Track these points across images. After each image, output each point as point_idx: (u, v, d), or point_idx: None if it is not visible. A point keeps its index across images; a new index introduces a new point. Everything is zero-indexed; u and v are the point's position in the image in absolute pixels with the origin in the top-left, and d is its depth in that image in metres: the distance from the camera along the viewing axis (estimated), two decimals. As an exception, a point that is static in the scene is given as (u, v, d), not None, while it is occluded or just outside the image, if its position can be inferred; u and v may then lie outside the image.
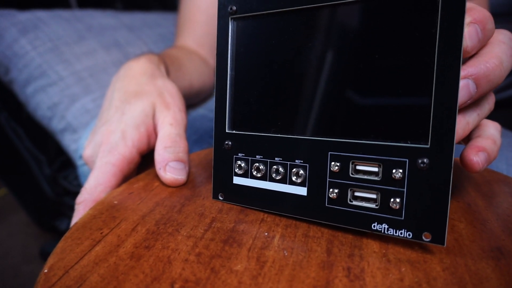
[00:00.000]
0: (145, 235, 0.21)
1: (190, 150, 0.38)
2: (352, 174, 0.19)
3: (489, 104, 0.21)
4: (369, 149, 0.18)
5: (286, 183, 0.21)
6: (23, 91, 0.57)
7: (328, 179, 0.20)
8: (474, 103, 0.20)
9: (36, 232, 1.18)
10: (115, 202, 0.26)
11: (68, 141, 0.55)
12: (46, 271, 0.20)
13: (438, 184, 0.16)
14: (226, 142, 0.24)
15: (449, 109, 0.16)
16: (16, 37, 0.56)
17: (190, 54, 0.55)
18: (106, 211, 0.25)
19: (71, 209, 0.74)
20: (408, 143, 0.17)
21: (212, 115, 0.54)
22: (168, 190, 0.27)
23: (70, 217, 0.79)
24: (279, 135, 0.21)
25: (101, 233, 0.22)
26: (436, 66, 0.16)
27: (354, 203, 0.19)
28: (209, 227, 0.22)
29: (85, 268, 0.19)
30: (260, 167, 0.22)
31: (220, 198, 0.25)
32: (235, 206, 0.24)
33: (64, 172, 0.71)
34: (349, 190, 0.19)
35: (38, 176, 0.72)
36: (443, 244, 0.16)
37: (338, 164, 0.19)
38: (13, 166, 0.76)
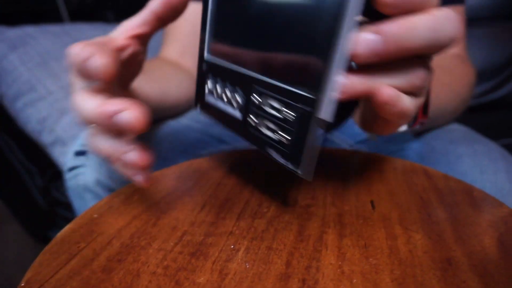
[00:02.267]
0: (119, 249, 0.22)
1: (175, 161, 0.39)
2: (263, 107, 0.22)
3: (413, 76, 0.19)
4: (278, 90, 0.21)
5: (234, 108, 0.25)
6: (13, 105, 0.58)
7: (250, 107, 0.23)
8: (389, 67, 0.19)
9: (30, 241, 1.18)
10: (95, 215, 0.27)
11: (58, 154, 0.56)
12: (22, 284, 0.21)
13: (311, 129, 0.19)
14: (203, 65, 0.28)
15: (334, 62, 0.17)
16: (5, 53, 0.57)
17: (169, 65, 0.55)
18: (85, 225, 0.26)
19: (64, 219, 0.75)
20: (302, 92, 0.19)
21: (197, 125, 0.55)
22: (146, 203, 0.28)
23: (63, 228, 0.79)
24: (234, 66, 0.24)
25: (78, 247, 0.23)
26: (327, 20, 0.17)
27: (263, 131, 0.22)
28: (180, 240, 0.23)
29: (59, 282, 0.20)
30: (219, 90, 0.26)
31: (198, 109, 0.29)
32: (206, 219, 0.25)
33: (56, 183, 0.72)
34: (260, 119, 0.22)
35: (30, 187, 0.73)
36: (309, 179, 0.19)
37: (257, 97, 0.22)
38: (5, 178, 0.77)
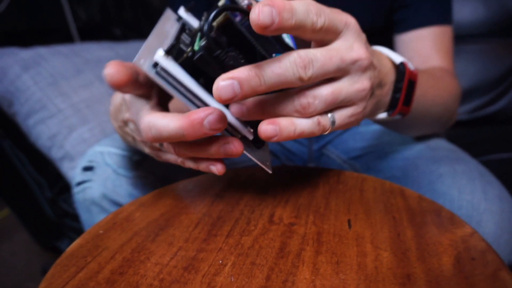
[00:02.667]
0: (121, 263, 0.25)
1: (176, 179, 0.42)
2: None
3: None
4: None
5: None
6: (25, 123, 0.62)
7: None
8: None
9: (38, 250, 1.21)
10: (101, 231, 0.30)
11: (66, 169, 0.59)
12: (36, 295, 0.23)
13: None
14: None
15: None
16: (19, 73, 0.61)
17: None
18: (91, 240, 0.29)
19: (71, 230, 0.79)
20: None
21: None
22: (146, 221, 0.31)
23: (71, 238, 0.83)
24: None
25: (85, 260, 0.26)
26: None
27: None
28: (175, 255, 0.25)
29: (68, 292, 0.23)
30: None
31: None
32: (199, 236, 0.28)
33: (64, 196, 0.75)
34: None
35: (39, 198, 0.76)
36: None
37: None
38: (16, 189, 0.81)
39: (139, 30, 1.35)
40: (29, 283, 1.08)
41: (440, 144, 0.49)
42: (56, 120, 0.60)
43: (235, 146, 0.26)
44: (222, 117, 0.24)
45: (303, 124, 0.24)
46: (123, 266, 0.25)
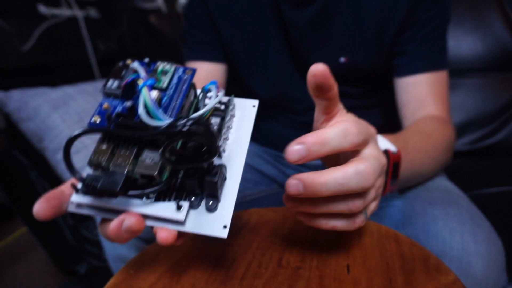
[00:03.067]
0: (151, 302, 0.30)
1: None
2: None
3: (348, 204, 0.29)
4: None
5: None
6: (53, 157, 0.68)
7: None
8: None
9: (54, 271, 1.26)
10: (131, 271, 0.34)
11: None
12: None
13: None
14: None
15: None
16: (49, 112, 0.67)
17: None
18: (124, 280, 0.33)
19: (90, 255, 0.83)
20: None
21: None
22: (170, 262, 0.35)
23: (89, 263, 0.87)
24: None
25: (119, 299, 0.30)
26: None
27: None
28: (197, 297, 0.30)
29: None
30: None
31: None
32: (217, 278, 0.32)
33: (85, 223, 0.80)
34: None
35: (61, 224, 0.81)
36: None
37: None
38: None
39: (153, 59, 1.42)
40: (44, 303, 1.12)
41: (437, 184, 0.53)
42: (81, 155, 0.65)
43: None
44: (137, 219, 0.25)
45: (336, 223, 0.30)
46: (153, 305, 0.29)
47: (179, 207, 0.26)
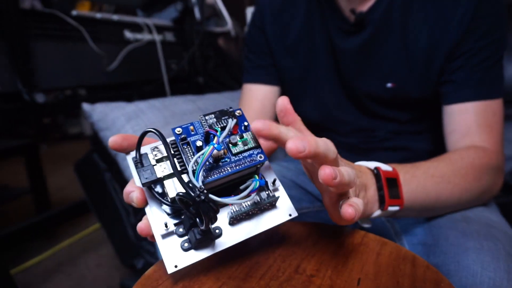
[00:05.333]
0: (180, 287, 0.35)
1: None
2: None
3: None
4: None
5: None
6: (122, 162, 0.78)
7: None
8: None
9: (118, 265, 1.39)
10: None
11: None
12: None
13: None
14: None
15: None
16: (124, 123, 0.78)
17: None
18: (161, 269, 0.39)
19: (146, 252, 0.92)
20: None
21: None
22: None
23: (145, 259, 0.97)
24: None
25: (157, 283, 0.36)
26: None
27: None
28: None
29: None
30: None
31: None
32: (239, 276, 0.36)
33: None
34: None
35: (125, 222, 0.92)
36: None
37: None
38: (109, 212, 0.98)
39: (217, 78, 1.53)
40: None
41: (478, 216, 0.51)
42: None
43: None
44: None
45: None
46: (182, 290, 0.34)
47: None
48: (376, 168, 0.44)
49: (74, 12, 0.96)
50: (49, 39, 0.93)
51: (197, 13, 1.36)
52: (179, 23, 1.37)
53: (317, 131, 0.79)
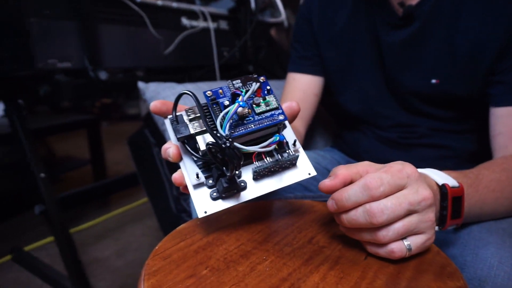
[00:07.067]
0: (205, 243, 0.39)
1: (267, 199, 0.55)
2: None
3: None
4: None
5: None
6: (169, 138, 0.85)
7: None
8: None
9: (161, 236, 1.50)
10: (198, 223, 0.45)
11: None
12: (156, 248, 0.39)
13: None
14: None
15: None
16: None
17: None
18: (191, 226, 0.43)
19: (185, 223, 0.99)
20: None
21: None
22: (229, 222, 0.44)
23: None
24: None
25: (185, 236, 0.41)
26: None
27: None
28: (237, 247, 0.38)
29: (172, 250, 0.38)
30: None
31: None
32: (258, 239, 0.40)
33: (185, 196, 0.96)
34: None
35: (168, 194, 0.99)
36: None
37: None
38: (155, 184, 1.06)
39: (267, 68, 1.57)
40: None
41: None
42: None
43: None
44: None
45: (377, 250, 0.36)
46: (205, 245, 0.39)
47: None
48: (444, 186, 0.40)
49: (138, -1, 1.04)
50: (115, 23, 1.02)
51: (252, 3, 1.39)
52: (234, 13, 1.41)
53: (357, 124, 0.80)
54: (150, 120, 0.99)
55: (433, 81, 0.64)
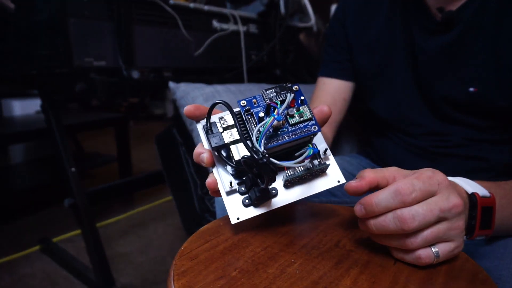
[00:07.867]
0: (230, 244, 0.39)
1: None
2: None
3: None
4: None
5: None
6: (196, 138, 0.86)
7: None
8: None
9: (183, 235, 1.52)
10: (221, 224, 0.45)
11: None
12: (182, 248, 0.39)
13: None
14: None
15: None
16: (202, 102, 0.86)
17: None
18: (215, 227, 0.44)
19: (208, 223, 1.00)
20: None
21: None
22: (255, 223, 0.44)
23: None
24: None
25: (210, 237, 0.41)
26: None
27: None
28: (264, 249, 0.38)
29: (198, 251, 0.38)
30: None
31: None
32: (284, 241, 0.40)
33: (209, 196, 0.97)
34: None
35: (193, 194, 1.01)
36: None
37: None
38: (180, 183, 1.08)
39: (295, 72, 1.56)
40: (169, 258, 1.38)
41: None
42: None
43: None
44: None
45: (403, 256, 0.35)
46: (231, 247, 0.39)
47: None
48: (474, 195, 0.39)
49: (171, 1, 1.07)
50: (148, 24, 1.05)
51: (282, 7, 1.40)
52: (264, 17, 1.42)
53: (386, 130, 0.78)
54: (178, 119, 1.01)
55: (471, 89, 0.62)
